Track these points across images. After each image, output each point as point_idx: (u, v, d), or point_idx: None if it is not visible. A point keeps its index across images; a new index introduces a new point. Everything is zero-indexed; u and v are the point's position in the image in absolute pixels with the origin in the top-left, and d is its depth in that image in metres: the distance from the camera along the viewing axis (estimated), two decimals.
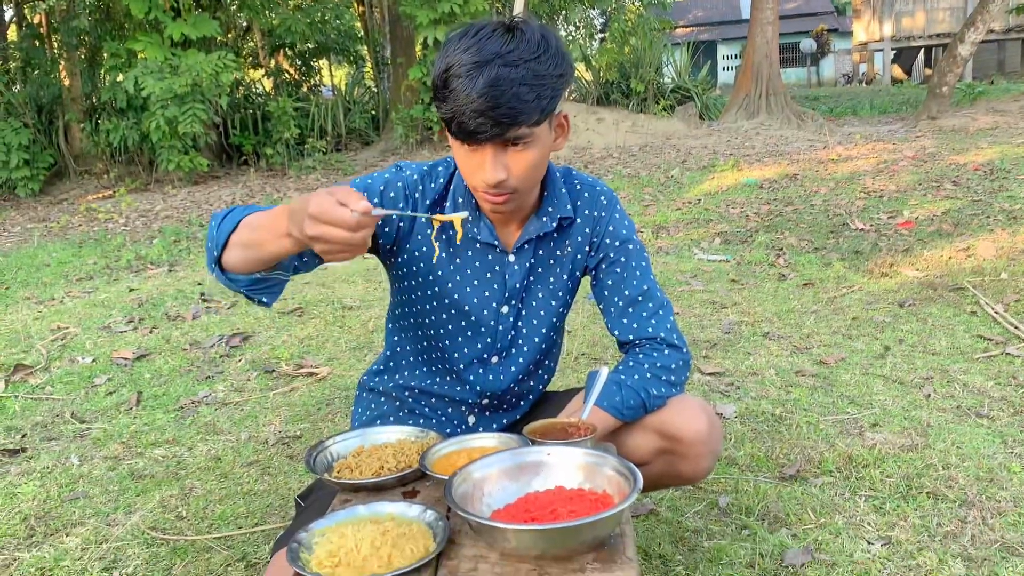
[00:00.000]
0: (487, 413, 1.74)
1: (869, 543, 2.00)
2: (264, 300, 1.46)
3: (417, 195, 1.57)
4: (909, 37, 28.19)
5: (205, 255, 1.42)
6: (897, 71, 29.25)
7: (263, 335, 4.10)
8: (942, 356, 3.29)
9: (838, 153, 9.94)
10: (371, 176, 1.58)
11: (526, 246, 1.60)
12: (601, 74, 15.65)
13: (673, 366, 1.60)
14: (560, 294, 1.67)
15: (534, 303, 1.65)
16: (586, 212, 1.64)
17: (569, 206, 1.61)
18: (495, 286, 1.61)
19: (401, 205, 1.55)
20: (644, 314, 1.63)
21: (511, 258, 1.60)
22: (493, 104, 1.32)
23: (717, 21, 36.08)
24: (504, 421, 1.76)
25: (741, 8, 34.79)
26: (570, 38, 15.14)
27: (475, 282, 1.61)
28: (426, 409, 1.73)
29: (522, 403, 1.76)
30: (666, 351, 1.61)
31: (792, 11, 34.03)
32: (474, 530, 1.14)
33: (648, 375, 1.56)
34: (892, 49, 28.61)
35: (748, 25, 15.38)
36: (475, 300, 1.61)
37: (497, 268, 1.60)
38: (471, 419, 1.74)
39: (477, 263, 1.60)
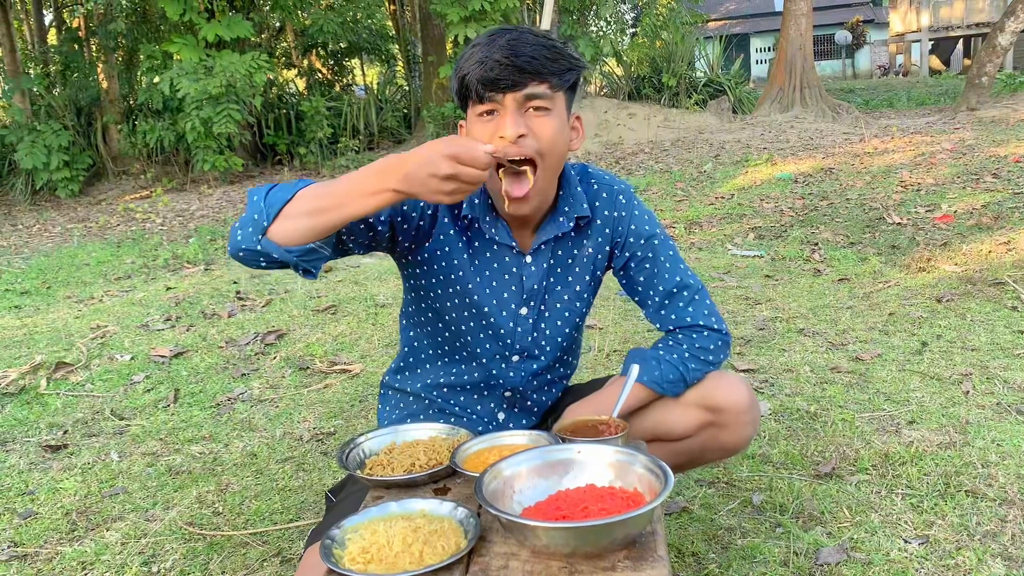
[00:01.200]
0: (515, 409, 1.75)
1: (906, 542, 1.97)
2: (312, 271, 1.42)
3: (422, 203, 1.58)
4: (947, 27, 27.69)
5: (240, 230, 1.36)
6: (935, 62, 28.75)
7: (297, 332, 4.14)
8: (981, 352, 3.23)
9: (874, 146, 9.79)
10: None
11: (543, 247, 1.61)
12: (632, 69, 15.57)
13: (712, 347, 1.64)
14: (584, 295, 1.68)
15: (558, 304, 1.65)
16: (605, 212, 1.64)
17: (585, 205, 1.60)
18: (513, 288, 1.62)
19: (422, 204, 1.55)
20: (681, 304, 1.66)
21: (528, 259, 1.61)
22: (514, 54, 1.38)
23: (750, 14, 35.69)
24: (534, 418, 1.77)
25: (774, 1, 34.40)
26: (601, 33, 15.07)
27: (493, 283, 1.61)
28: (456, 408, 1.74)
29: (545, 399, 1.78)
30: (706, 334, 1.65)
31: (826, 2, 33.55)
32: (505, 527, 1.14)
33: (687, 354, 1.62)
34: (929, 40, 28.12)
35: (781, 17, 15.21)
36: (494, 302, 1.62)
37: (515, 270, 1.61)
38: (501, 416, 1.75)
39: (495, 264, 1.61)
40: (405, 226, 1.56)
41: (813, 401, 2.87)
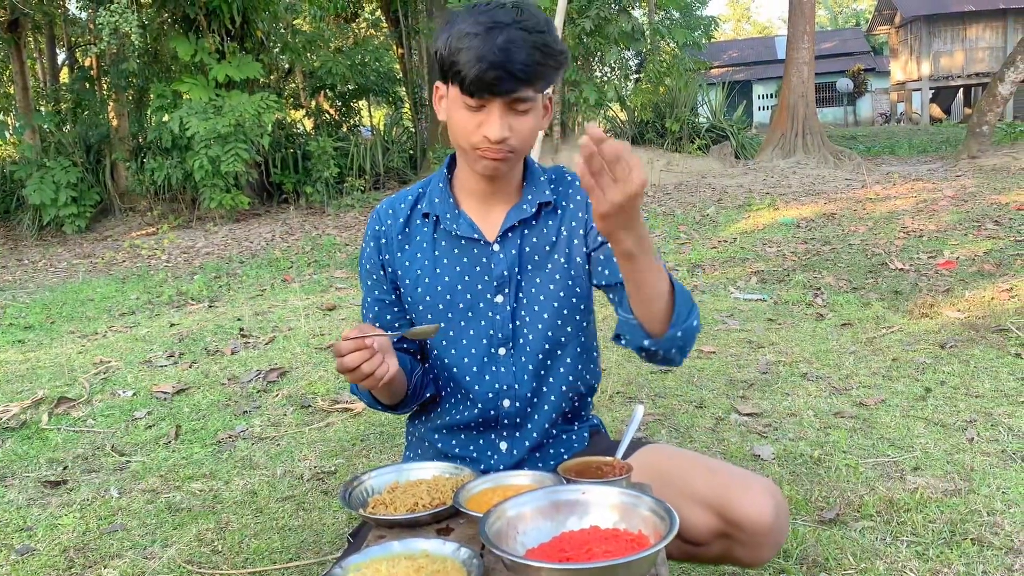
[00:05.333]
0: (517, 434, 1.68)
1: None
2: (428, 395, 1.71)
3: (389, 221, 1.69)
4: (948, 76, 28.04)
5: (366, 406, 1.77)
6: (935, 110, 29.05)
7: (300, 370, 4.14)
8: (985, 399, 3.22)
9: (876, 192, 9.85)
10: (363, 240, 1.74)
11: (509, 234, 1.63)
12: (636, 114, 15.74)
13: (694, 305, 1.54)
14: (561, 279, 1.64)
15: (534, 290, 1.64)
16: (578, 197, 1.67)
17: (548, 191, 1.65)
18: (485, 277, 1.64)
19: (375, 243, 1.70)
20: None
21: (495, 247, 1.63)
22: (510, 60, 1.41)
23: (753, 61, 36.15)
24: (535, 435, 1.68)
25: (777, 48, 34.86)
26: (605, 78, 15.29)
27: (465, 278, 1.64)
28: (456, 449, 1.71)
29: (546, 407, 1.68)
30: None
31: (828, 51, 34.02)
32: (508, 568, 1.13)
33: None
34: (930, 88, 28.45)
35: (784, 65, 15.42)
36: (468, 296, 1.64)
37: (484, 260, 1.64)
38: (503, 445, 1.69)
39: (464, 259, 1.64)
40: (389, 269, 1.69)
41: (817, 446, 2.86)
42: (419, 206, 1.69)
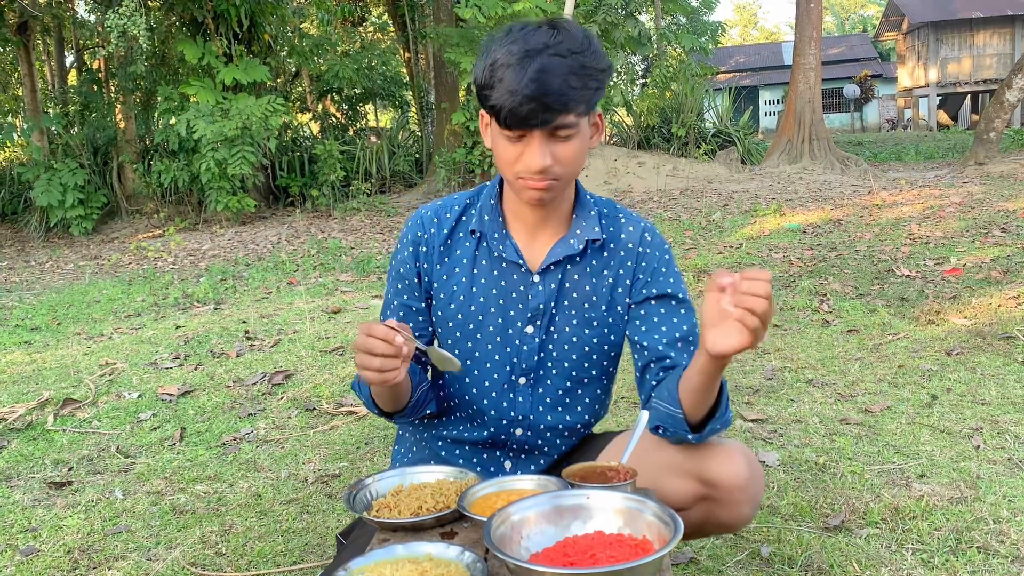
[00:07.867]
0: (523, 456, 1.70)
1: None
2: (427, 412, 1.68)
3: (432, 230, 1.65)
4: (955, 83, 28.01)
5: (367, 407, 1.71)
6: (943, 117, 29.00)
7: (305, 373, 4.14)
8: (992, 406, 3.20)
9: (883, 199, 9.84)
10: (398, 242, 1.69)
11: (552, 267, 1.60)
12: (642, 118, 15.75)
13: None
14: (596, 324, 1.62)
15: (567, 328, 1.62)
16: (630, 245, 1.62)
17: (597, 228, 1.60)
18: (520, 305, 1.61)
19: (414, 248, 1.65)
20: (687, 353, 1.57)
21: (536, 278, 1.61)
22: (544, 91, 1.36)
23: (759, 67, 36.15)
24: (542, 462, 1.71)
25: (783, 54, 34.87)
26: (612, 83, 15.31)
27: (500, 301, 1.61)
28: (460, 461, 1.71)
29: (558, 441, 1.70)
30: None
31: (835, 57, 34.00)
32: (512, 573, 1.13)
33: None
34: (937, 95, 28.41)
35: (791, 70, 15.40)
36: (500, 320, 1.61)
37: (522, 288, 1.61)
38: (508, 464, 1.71)
39: (503, 282, 1.61)
40: (426, 279, 1.65)
41: (822, 452, 2.85)
42: (464, 219, 1.65)
